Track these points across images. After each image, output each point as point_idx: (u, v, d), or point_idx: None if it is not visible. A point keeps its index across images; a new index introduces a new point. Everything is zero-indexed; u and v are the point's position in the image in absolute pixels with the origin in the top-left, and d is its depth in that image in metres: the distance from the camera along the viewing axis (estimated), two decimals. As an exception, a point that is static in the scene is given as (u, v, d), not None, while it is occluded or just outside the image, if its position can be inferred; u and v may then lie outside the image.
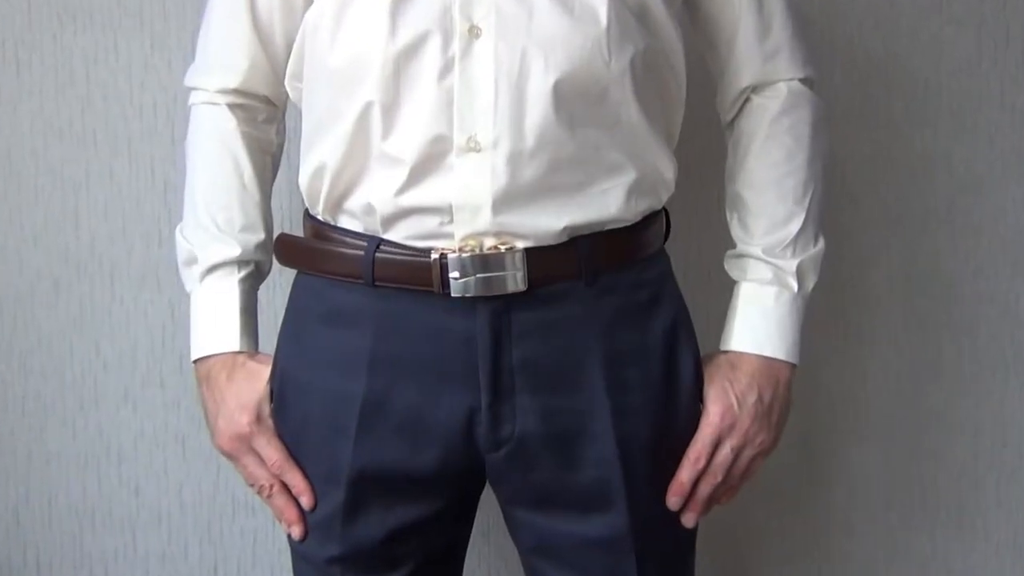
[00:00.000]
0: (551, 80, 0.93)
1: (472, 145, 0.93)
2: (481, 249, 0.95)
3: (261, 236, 1.10)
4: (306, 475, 1.03)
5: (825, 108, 1.12)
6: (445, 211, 0.95)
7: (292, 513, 1.04)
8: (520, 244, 0.96)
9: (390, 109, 0.94)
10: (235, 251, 1.08)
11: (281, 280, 1.21)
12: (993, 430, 1.59)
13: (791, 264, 1.06)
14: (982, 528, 1.60)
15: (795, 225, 1.07)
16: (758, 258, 1.07)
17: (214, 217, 1.08)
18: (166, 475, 1.48)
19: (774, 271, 1.06)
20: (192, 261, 1.09)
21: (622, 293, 1.01)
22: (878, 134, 1.51)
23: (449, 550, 1.10)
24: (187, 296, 1.47)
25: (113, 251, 1.44)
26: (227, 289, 1.08)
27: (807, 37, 1.12)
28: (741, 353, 1.06)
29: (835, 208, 1.51)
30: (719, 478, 1.03)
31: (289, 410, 1.05)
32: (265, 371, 1.05)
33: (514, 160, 0.93)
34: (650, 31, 0.99)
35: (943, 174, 1.52)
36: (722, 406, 1.03)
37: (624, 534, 1.01)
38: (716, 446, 1.03)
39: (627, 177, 0.99)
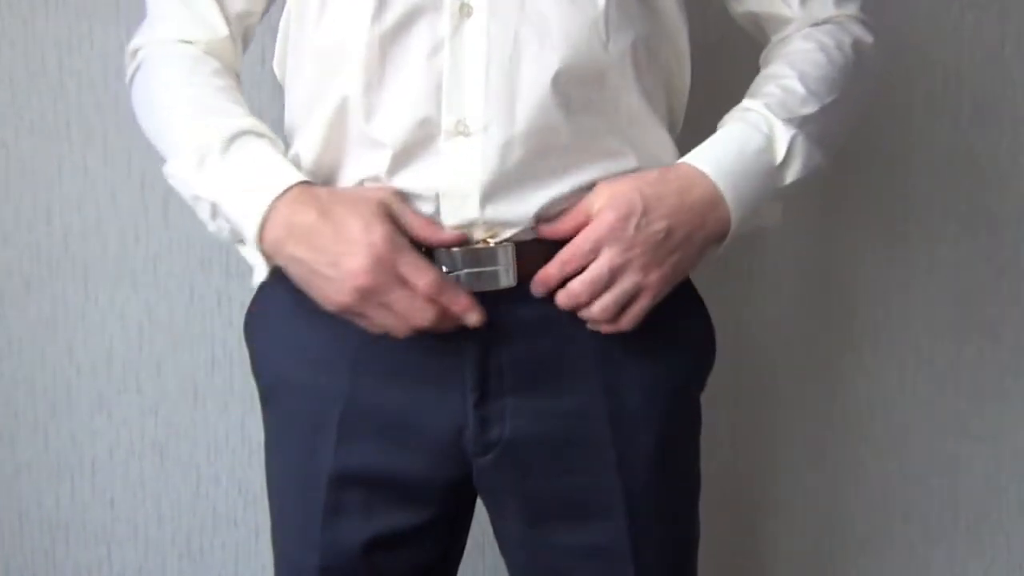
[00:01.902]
0: (545, 62, 0.91)
1: (461, 129, 0.91)
2: (471, 242, 0.93)
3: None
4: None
5: (879, 50, 1.06)
6: (432, 199, 0.93)
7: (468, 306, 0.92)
8: (510, 232, 0.93)
9: (375, 90, 0.92)
10: (256, 124, 0.97)
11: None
12: (1016, 438, 1.57)
13: (787, 132, 0.95)
14: (1004, 541, 1.60)
15: (808, 109, 0.97)
16: (757, 110, 0.97)
17: (213, 109, 0.97)
18: (143, 486, 1.47)
19: (769, 127, 0.96)
20: (207, 149, 0.94)
21: None
22: (896, 127, 1.50)
23: (439, 567, 1.07)
24: (165, 296, 1.44)
25: (87, 248, 1.43)
26: (260, 146, 0.95)
27: None
28: (682, 164, 0.95)
29: (851, 204, 1.50)
30: (583, 300, 0.92)
31: (273, 403, 1.03)
32: (368, 192, 0.92)
33: (505, 145, 0.91)
34: (652, 13, 0.97)
35: (965, 169, 1.51)
36: (617, 213, 0.91)
37: (622, 543, 0.99)
38: (594, 253, 0.92)
39: (625, 165, 0.96)
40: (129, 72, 1.05)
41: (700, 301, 1.05)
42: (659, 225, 0.91)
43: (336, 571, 1.01)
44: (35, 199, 1.41)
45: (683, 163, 0.95)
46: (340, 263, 0.88)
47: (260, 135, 0.96)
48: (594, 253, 0.91)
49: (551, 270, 0.92)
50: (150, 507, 1.47)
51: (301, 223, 0.90)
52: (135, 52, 1.05)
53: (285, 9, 1.00)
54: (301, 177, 0.92)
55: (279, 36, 1.02)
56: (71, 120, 1.40)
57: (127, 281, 1.43)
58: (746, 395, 1.53)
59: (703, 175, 0.94)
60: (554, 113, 0.91)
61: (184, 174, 0.95)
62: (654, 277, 0.92)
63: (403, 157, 0.92)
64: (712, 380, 1.08)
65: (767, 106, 0.96)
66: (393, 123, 0.91)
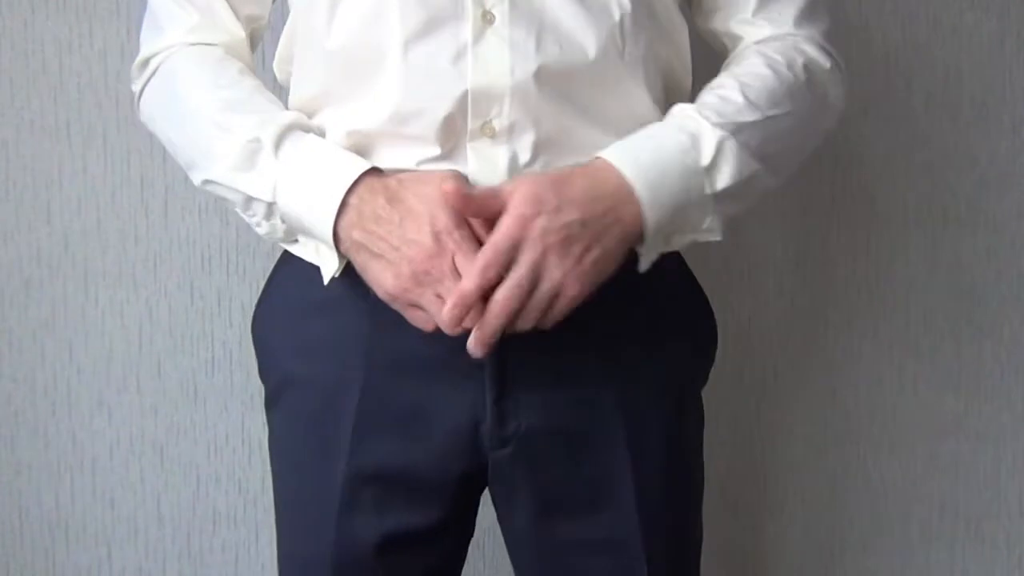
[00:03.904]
0: (565, 69, 0.92)
1: (487, 132, 0.92)
2: None
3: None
4: None
5: (837, 78, 1.03)
6: None
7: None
8: None
9: (401, 93, 0.93)
10: (301, 117, 0.95)
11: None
12: (1016, 438, 1.58)
13: (714, 133, 0.91)
14: (1004, 541, 1.60)
15: (744, 118, 0.93)
16: (685, 113, 0.94)
17: (253, 108, 0.95)
18: (143, 486, 1.46)
19: (696, 128, 0.92)
20: (256, 148, 0.92)
21: (631, 282, 0.97)
22: (896, 126, 1.50)
23: (446, 566, 1.07)
24: (165, 296, 1.44)
25: (87, 249, 1.42)
26: (314, 140, 0.93)
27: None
28: (595, 158, 0.91)
29: (850, 205, 1.50)
30: (515, 305, 0.87)
31: (283, 402, 1.03)
32: (436, 178, 0.89)
33: (527, 147, 0.93)
34: (658, 20, 0.98)
35: (965, 169, 1.51)
36: (527, 206, 0.86)
37: (634, 537, 0.99)
38: (512, 251, 0.86)
39: None
40: (140, 84, 1.03)
41: (705, 298, 1.05)
42: (571, 215, 0.87)
43: (349, 568, 1.01)
44: (35, 199, 1.40)
45: (596, 157, 0.92)
46: (402, 247, 0.88)
47: (307, 128, 0.95)
48: (513, 251, 0.86)
49: (468, 285, 0.86)
50: (150, 507, 1.46)
51: (370, 210, 0.89)
52: (146, 62, 1.03)
53: (292, 11, 1.00)
54: (368, 164, 0.91)
55: (283, 37, 1.02)
56: (71, 120, 1.39)
57: (127, 281, 1.42)
58: (746, 395, 1.53)
59: (613, 168, 0.90)
60: (573, 117, 0.93)
61: (231, 177, 0.93)
62: (573, 273, 0.87)
63: (429, 157, 0.93)
64: (712, 379, 1.08)
65: (697, 110, 0.94)
66: (420, 126, 0.92)
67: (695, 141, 0.92)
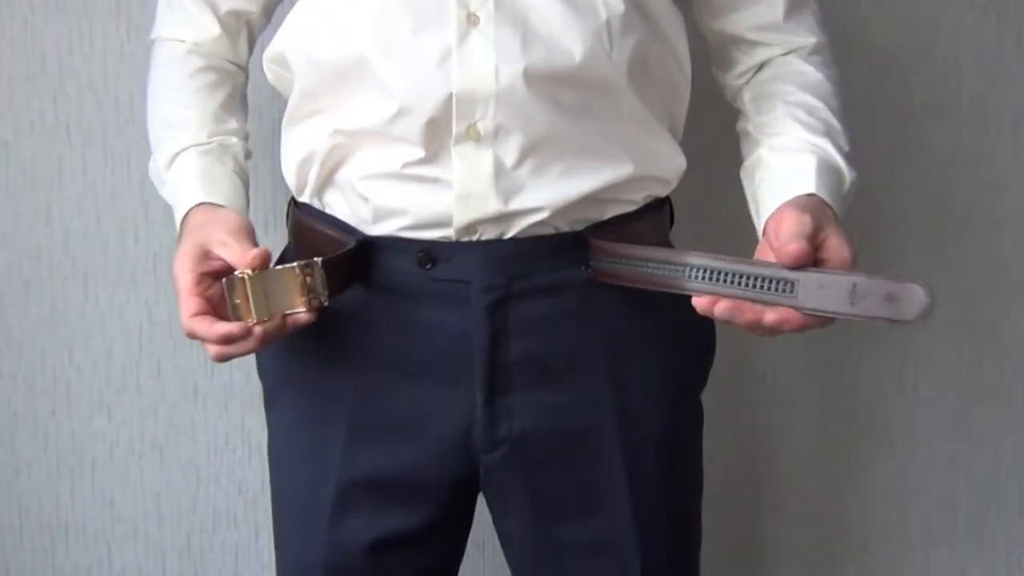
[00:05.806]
0: (552, 70, 0.92)
1: (472, 134, 0.92)
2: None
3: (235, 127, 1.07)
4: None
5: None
6: (442, 199, 0.94)
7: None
8: (514, 231, 0.95)
9: (387, 96, 0.93)
10: (196, 137, 1.02)
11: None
12: (1016, 438, 1.57)
13: (850, 173, 0.96)
14: (1004, 542, 1.59)
15: (846, 145, 0.97)
16: (818, 144, 0.96)
17: (170, 123, 1.05)
18: (143, 486, 1.47)
19: (835, 161, 0.96)
20: (159, 171, 1.04)
21: (628, 287, 0.98)
22: (895, 127, 1.49)
23: (442, 567, 1.08)
24: (165, 297, 1.45)
25: (87, 249, 1.42)
26: (189, 166, 1.01)
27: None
28: (812, 195, 0.93)
29: (850, 205, 1.49)
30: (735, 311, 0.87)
31: (279, 408, 1.04)
32: (207, 230, 0.94)
33: (513, 150, 0.93)
34: (651, 20, 0.98)
35: (963, 169, 1.51)
36: (845, 241, 0.88)
37: (628, 539, 1.00)
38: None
39: (628, 169, 0.97)
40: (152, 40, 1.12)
41: None
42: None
43: (341, 570, 1.01)
44: (35, 200, 1.40)
45: (821, 197, 0.93)
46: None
47: (203, 149, 1.01)
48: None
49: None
50: (150, 507, 1.46)
51: (181, 246, 0.95)
52: (152, 43, 1.11)
53: (288, 12, 1.01)
54: (195, 201, 0.97)
55: (275, 37, 1.02)
56: (71, 120, 1.39)
57: (127, 282, 1.42)
58: (746, 395, 1.53)
59: (835, 215, 0.93)
60: (561, 119, 0.93)
61: (160, 188, 1.04)
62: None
63: (414, 159, 0.93)
64: (712, 380, 1.08)
65: (826, 139, 0.96)
66: (404, 128, 0.92)
67: (839, 177, 0.96)
